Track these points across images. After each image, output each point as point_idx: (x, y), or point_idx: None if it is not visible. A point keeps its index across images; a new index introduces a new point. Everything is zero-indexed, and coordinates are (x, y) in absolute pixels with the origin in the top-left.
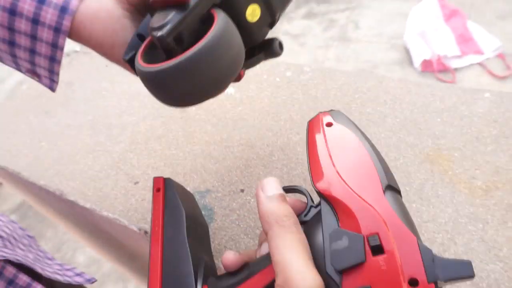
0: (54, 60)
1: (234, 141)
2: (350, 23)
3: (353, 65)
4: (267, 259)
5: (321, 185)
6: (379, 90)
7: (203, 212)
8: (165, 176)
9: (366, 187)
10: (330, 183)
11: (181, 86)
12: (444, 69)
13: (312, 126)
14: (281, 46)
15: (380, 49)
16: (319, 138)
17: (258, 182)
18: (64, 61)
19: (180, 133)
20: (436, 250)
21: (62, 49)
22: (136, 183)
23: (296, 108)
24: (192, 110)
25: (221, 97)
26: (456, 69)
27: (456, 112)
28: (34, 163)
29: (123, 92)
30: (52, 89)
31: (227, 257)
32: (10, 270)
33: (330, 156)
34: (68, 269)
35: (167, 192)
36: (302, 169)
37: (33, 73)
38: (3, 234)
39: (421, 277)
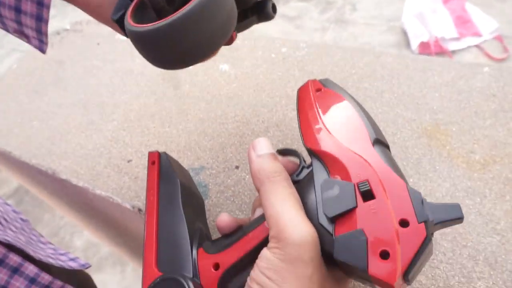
0: (41, 19)
1: (228, 118)
2: (347, 5)
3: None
4: (260, 219)
5: (311, 143)
6: (376, 65)
7: (198, 189)
8: None
9: (355, 141)
10: (320, 139)
11: (172, 47)
12: (442, 52)
13: (302, 92)
14: (274, 8)
15: (377, 31)
16: (308, 101)
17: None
18: (55, 39)
19: (173, 111)
20: None
21: (48, 7)
22: (129, 161)
23: (292, 84)
24: (186, 87)
25: (215, 73)
26: (453, 52)
27: (455, 86)
28: (25, 142)
29: (115, 70)
30: (42, 50)
31: (222, 219)
32: None
33: (320, 116)
34: (62, 254)
35: (162, 164)
36: (298, 145)
37: (20, 33)
38: None
39: (411, 218)
